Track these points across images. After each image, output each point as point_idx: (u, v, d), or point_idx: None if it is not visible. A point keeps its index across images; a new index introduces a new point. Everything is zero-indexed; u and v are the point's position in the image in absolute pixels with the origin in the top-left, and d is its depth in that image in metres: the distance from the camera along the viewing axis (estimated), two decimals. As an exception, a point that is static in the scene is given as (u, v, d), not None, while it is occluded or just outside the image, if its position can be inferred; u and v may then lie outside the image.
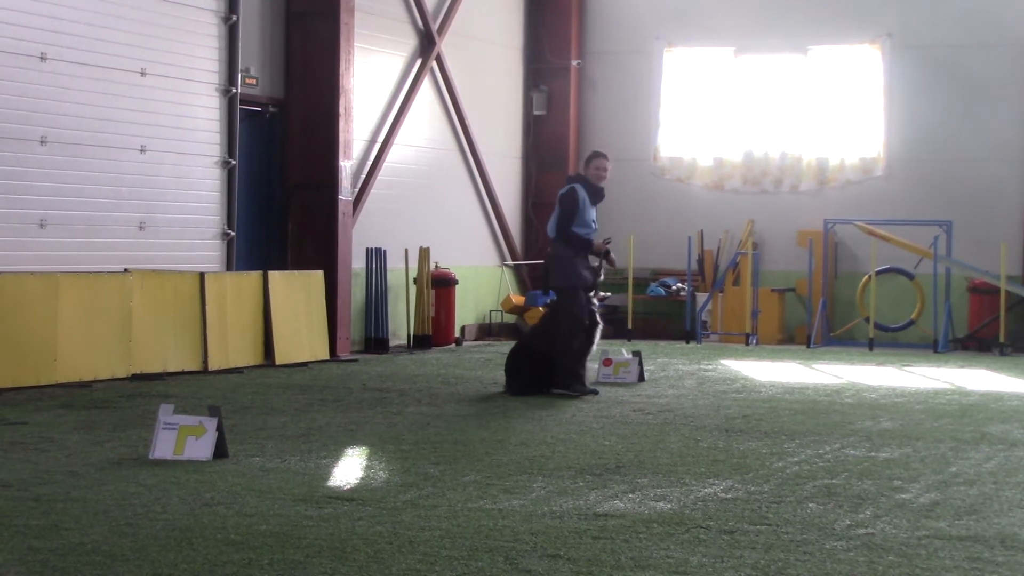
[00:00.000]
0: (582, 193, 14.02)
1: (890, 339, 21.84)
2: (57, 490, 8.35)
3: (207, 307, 16.07)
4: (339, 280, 18.50)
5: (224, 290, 16.45)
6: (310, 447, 10.30)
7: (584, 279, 14.10)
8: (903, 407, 13.50)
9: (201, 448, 9.49)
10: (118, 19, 15.90)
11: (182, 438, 9.52)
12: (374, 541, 7.02)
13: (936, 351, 20.81)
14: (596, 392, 13.99)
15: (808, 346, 21.47)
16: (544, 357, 14.03)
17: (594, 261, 14.17)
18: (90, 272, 15.01)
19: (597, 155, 14.41)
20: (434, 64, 21.64)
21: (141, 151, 16.24)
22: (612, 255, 14.39)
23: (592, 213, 14.11)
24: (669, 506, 8.09)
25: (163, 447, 9.55)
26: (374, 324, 19.77)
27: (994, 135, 22.35)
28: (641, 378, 15.51)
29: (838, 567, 6.61)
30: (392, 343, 20.12)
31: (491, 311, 23.05)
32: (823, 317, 21.96)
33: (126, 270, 15.34)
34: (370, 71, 20.06)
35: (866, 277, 21.88)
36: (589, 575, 6.41)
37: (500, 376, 15.20)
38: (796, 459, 9.99)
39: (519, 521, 7.57)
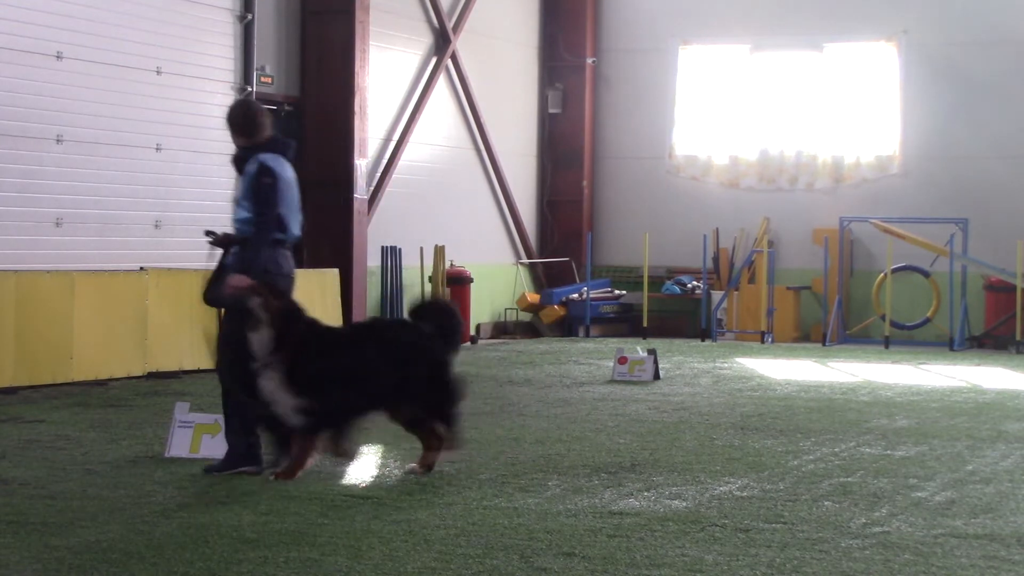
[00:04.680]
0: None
1: (906, 337, 21.78)
2: (73, 488, 8.36)
3: (223, 305, 16.07)
4: (354, 278, 18.50)
5: (240, 288, 16.44)
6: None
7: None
8: (919, 405, 13.47)
9: (217, 446, 9.49)
10: (134, 18, 15.93)
11: (198, 436, 9.53)
12: (389, 539, 7.02)
13: (952, 349, 20.76)
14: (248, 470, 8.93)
15: (824, 344, 21.43)
16: None
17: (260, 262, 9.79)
18: (106, 271, 15.04)
19: None
20: (449, 62, 21.64)
21: (157, 149, 16.27)
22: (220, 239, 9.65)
23: (239, 189, 9.81)
24: (684, 504, 8.08)
25: (179, 445, 9.56)
26: (389, 322, 19.78)
27: (1011, 133, 22.26)
28: (656, 376, 15.48)
29: (854, 565, 6.60)
30: (407, 341, 20.09)
31: (506, 309, 23.03)
32: (839, 315, 21.91)
33: (142, 268, 15.36)
34: (385, 69, 20.07)
35: (882, 275, 21.82)
36: (604, 573, 6.40)
37: (516, 374, 15.18)
38: (812, 457, 9.98)
39: (534, 519, 7.57)
